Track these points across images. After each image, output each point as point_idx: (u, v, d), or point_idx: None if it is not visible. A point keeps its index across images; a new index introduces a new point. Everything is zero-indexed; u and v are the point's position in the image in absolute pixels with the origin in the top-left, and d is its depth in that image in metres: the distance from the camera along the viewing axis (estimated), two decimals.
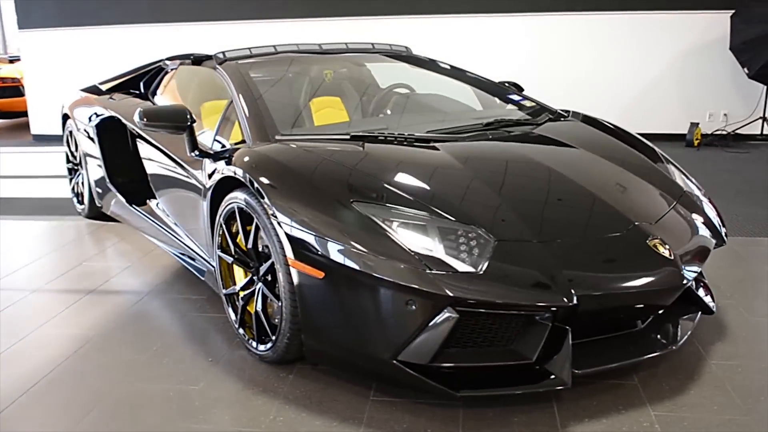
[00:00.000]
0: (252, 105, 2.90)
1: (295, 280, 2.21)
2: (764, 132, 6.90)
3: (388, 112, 3.68)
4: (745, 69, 6.55)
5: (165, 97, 3.96)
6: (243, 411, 2.25)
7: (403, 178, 2.33)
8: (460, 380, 2.09)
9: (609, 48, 7.27)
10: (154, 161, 3.50)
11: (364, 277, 2.04)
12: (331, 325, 2.18)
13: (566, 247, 2.14)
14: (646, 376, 2.42)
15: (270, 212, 2.26)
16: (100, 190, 4.25)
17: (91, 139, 4.22)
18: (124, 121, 3.82)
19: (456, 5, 7.40)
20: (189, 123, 2.83)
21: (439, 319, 1.98)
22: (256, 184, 2.34)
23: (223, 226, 2.63)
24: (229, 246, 2.67)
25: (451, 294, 1.95)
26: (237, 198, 2.50)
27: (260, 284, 2.50)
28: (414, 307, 1.98)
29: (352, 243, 2.07)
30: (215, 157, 2.79)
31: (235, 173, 2.48)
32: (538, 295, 2.00)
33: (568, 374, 2.07)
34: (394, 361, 2.06)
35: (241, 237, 2.55)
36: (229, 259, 2.66)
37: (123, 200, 3.92)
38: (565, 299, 1.99)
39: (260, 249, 2.47)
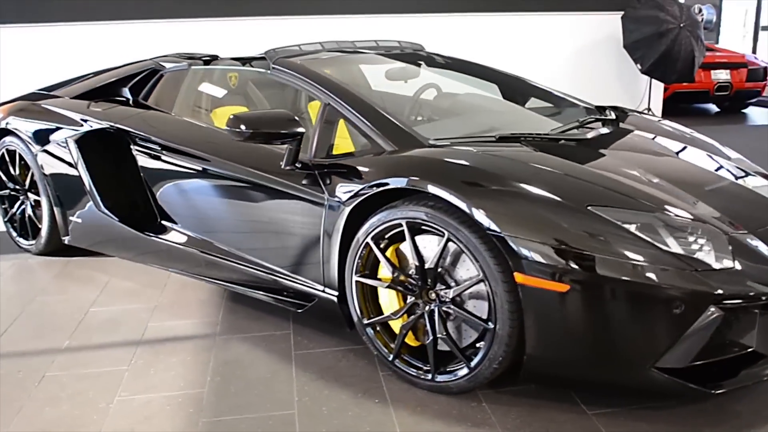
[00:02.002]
0: (369, 108, 2.57)
1: (523, 297, 2.01)
2: None
3: (422, 115, 3.50)
4: (638, 65, 7.30)
5: (164, 102, 3.37)
6: None
7: (608, 180, 2.23)
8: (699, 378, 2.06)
9: (507, 48, 7.63)
10: (196, 178, 2.96)
11: (623, 285, 1.92)
12: (569, 341, 2.01)
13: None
14: None
15: (485, 225, 2.02)
16: (78, 220, 3.50)
17: (59, 158, 3.46)
18: (137, 133, 3.17)
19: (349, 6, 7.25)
20: (302, 131, 2.44)
21: (705, 319, 1.93)
22: (452, 195, 2.08)
23: (372, 246, 2.31)
24: (379, 269, 2.36)
25: (721, 292, 1.91)
26: (406, 213, 2.20)
27: (436, 307, 2.24)
28: (680, 309, 1.91)
29: (606, 250, 1.93)
30: (339, 169, 2.43)
31: (412, 185, 2.17)
32: None
33: None
34: (652, 369, 1.97)
35: (409, 258, 2.26)
36: (382, 284, 2.34)
37: (126, 228, 3.26)
38: None
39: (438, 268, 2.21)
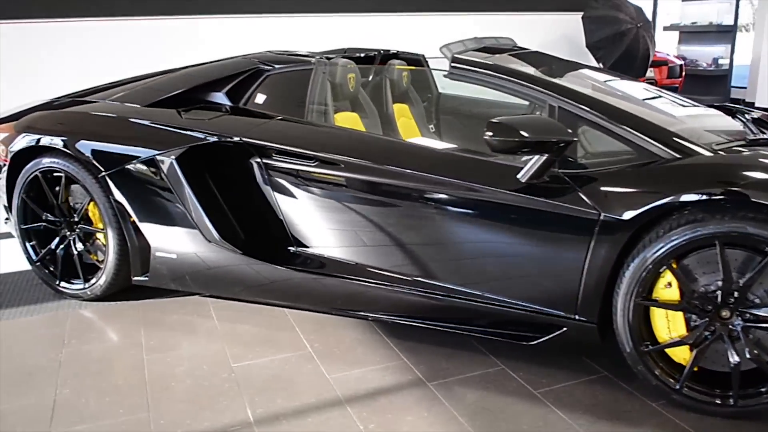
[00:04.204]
0: (624, 113, 2.30)
1: None
2: None
3: None
4: (601, 64, 7.56)
5: (284, 107, 2.84)
6: None
7: None
8: None
9: None
10: (371, 197, 2.49)
11: None
12: None
13: None
14: None
15: None
16: (170, 255, 2.83)
17: (143, 181, 2.79)
18: (274, 146, 2.62)
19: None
20: (573, 139, 2.12)
21: None
22: None
23: (668, 267, 2.06)
24: (655, 290, 2.11)
25: None
26: (721, 228, 1.97)
27: (740, 326, 2.05)
28: None
29: None
30: (611, 182, 2.14)
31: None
32: None
33: None
34: None
35: (690, 276, 2.05)
36: (674, 307, 2.10)
37: (252, 260, 2.69)
38: None
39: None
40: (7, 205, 3.21)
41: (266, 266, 2.70)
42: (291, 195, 2.66)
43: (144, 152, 2.78)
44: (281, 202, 2.68)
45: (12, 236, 3.60)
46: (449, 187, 2.37)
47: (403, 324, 2.63)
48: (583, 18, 7.61)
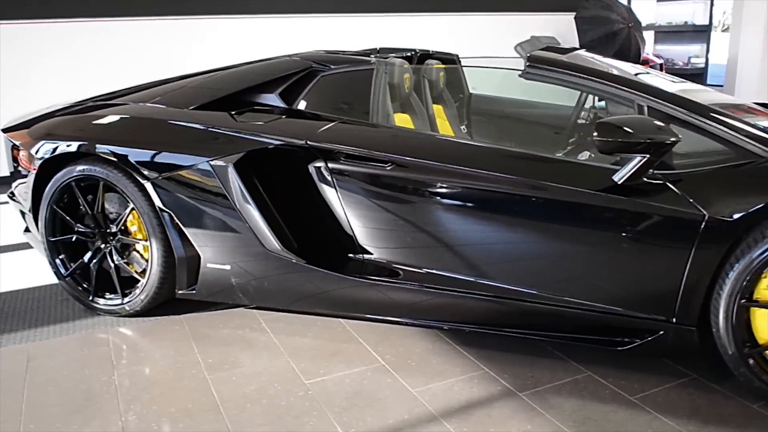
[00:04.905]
0: (716, 112, 2.24)
1: None
2: None
3: None
4: None
5: (341, 108, 2.70)
6: None
7: None
8: None
9: (468, 47, 7.57)
10: (453, 202, 2.39)
11: None
12: None
13: None
14: None
15: None
16: (224, 266, 2.66)
17: (195, 187, 2.61)
18: (348, 150, 2.48)
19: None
20: (676, 139, 2.06)
21: None
22: None
23: None
24: (756, 290, 2.07)
25: None
26: None
27: None
28: None
29: None
30: (712, 182, 2.09)
31: None
32: None
33: None
34: None
35: None
36: None
37: (319, 270, 2.54)
38: None
39: None
40: (31, 214, 2.98)
41: (333, 275, 2.56)
42: (361, 200, 2.52)
43: (196, 158, 2.60)
44: (349, 207, 2.54)
45: (30, 248, 3.40)
46: (537, 189, 2.28)
47: (476, 332, 2.54)
48: (575, 18, 7.66)
